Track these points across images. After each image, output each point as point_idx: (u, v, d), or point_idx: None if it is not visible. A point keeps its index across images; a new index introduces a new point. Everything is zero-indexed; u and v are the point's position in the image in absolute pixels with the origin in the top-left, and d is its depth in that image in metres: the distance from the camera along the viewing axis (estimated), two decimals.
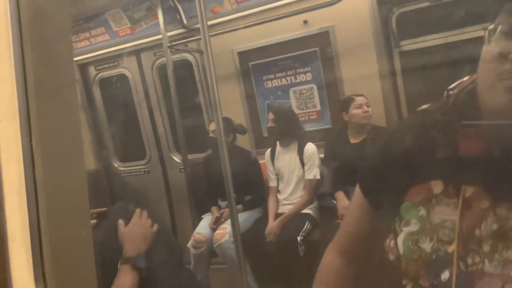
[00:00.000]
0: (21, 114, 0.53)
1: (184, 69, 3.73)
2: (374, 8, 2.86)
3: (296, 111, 3.34)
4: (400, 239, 0.72)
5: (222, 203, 3.20)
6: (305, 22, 3.10)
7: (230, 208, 2.21)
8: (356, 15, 2.91)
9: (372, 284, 0.87)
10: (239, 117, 3.43)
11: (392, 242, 0.74)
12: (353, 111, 2.79)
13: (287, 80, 3.34)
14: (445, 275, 0.67)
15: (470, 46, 2.57)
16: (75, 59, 3.91)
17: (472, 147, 0.68)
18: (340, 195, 2.78)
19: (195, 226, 3.21)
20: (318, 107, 3.29)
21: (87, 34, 3.85)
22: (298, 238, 2.70)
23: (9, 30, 0.53)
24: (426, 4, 2.79)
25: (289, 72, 3.31)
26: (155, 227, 1.40)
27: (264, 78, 3.41)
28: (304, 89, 3.30)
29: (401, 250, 0.72)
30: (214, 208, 3.19)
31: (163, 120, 4.01)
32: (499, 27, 0.65)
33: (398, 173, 0.78)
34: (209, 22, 2.40)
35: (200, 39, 3.19)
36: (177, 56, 3.67)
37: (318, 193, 3.02)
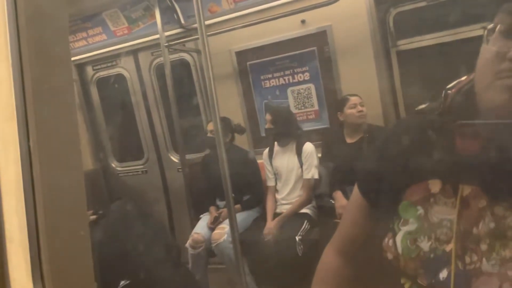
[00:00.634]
0: (18, 115, 0.53)
1: (181, 69, 3.73)
2: (371, 8, 2.87)
3: (294, 110, 3.35)
4: (399, 238, 0.73)
5: (220, 203, 3.20)
6: (303, 21, 3.11)
7: (228, 208, 2.21)
8: (354, 14, 2.92)
9: (371, 283, 0.88)
10: (237, 117, 3.43)
11: (391, 241, 0.74)
12: (348, 111, 2.80)
13: (285, 80, 3.34)
14: (443, 274, 0.67)
15: (467, 46, 2.57)
16: (72, 59, 3.90)
17: (470, 147, 0.68)
18: (338, 194, 2.78)
19: (193, 226, 3.21)
20: (316, 107, 3.30)
21: (84, 34, 3.83)
22: (297, 238, 2.70)
23: (7, 30, 0.53)
24: (423, 3, 2.80)
25: (287, 72, 3.31)
26: None
27: (262, 77, 3.41)
28: (302, 88, 3.30)
29: (399, 249, 0.72)
30: (212, 208, 3.19)
31: (161, 120, 4.00)
32: (498, 27, 0.65)
33: (396, 173, 0.78)
34: (207, 22, 2.39)
35: (197, 38, 3.17)
36: (174, 56, 3.67)
37: (316, 192, 3.03)
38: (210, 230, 3.02)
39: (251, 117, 3.52)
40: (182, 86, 3.65)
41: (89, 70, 4.23)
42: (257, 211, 3.19)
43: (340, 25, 3.00)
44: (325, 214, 2.87)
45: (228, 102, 3.37)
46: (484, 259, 0.64)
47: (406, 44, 2.96)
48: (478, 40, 0.70)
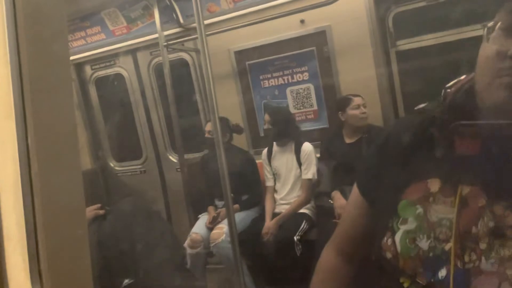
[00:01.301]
0: (17, 113, 0.52)
1: (180, 68, 3.72)
2: (371, 8, 2.87)
3: (293, 110, 3.35)
4: (398, 237, 0.73)
5: (219, 203, 3.20)
6: (302, 21, 3.11)
7: (227, 207, 2.21)
8: (353, 14, 2.92)
9: (370, 282, 0.88)
10: (236, 116, 3.43)
11: (390, 240, 0.74)
12: (351, 112, 2.79)
13: (284, 80, 3.34)
14: (442, 273, 0.67)
15: (467, 45, 2.58)
16: (71, 58, 3.89)
17: (469, 147, 0.69)
18: (336, 194, 2.78)
19: (191, 226, 3.20)
20: (315, 107, 3.30)
21: (83, 33, 3.83)
22: (295, 238, 2.70)
23: (5, 28, 0.53)
24: (423, 3, 2.80)
25: (286, 72, 3.31)
26: None
27: (261, 77, 3.41)
28: (301, 88, 3.30)
29: (398, 248, 0.72)
30: (210, 208, 3.19)
31: (160, 119, 4.00)
32: (498, 24, 0.65)
33: (395, 172, 0.78)
34: (206, 21, 2.39)
35: (196, 38, 3.18)
36: (173, 56, 3.66)
37: (315, 192, 3.03)
38: (209, 230, 3.02)
39: (250, 117, 3.52)
40: (181, 86, 3.65)
41: (88, 69, 4.23)
42: (256, 211, 3.19)
43: (339, 25, 3.00)
44: (324, 214, 2.87)
45: (227, 102, 3.37)
46: (483, 258, 0.64)
47: (405, 44, 2.97)
48: (477, 40, 0.70)
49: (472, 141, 0.68)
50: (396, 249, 0.73)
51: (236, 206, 3.03)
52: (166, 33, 3.44)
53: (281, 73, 3.33)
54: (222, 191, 2.14)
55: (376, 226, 0.79)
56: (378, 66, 2.91)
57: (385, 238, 0.75)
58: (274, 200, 3.10)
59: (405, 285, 0.72)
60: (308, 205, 3.00)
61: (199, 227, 3.09)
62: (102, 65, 4.14)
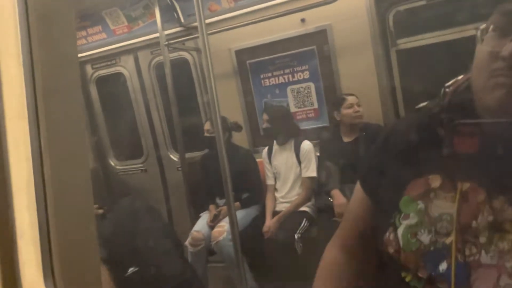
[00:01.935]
0: (29, 113, 0.54)
1: (181, 67, 3.73)
2: (371, 7, 2.88)
3: (294, 109, 3.36)
4: (400, 232, 0.74)
5: (220, 201, 3.21)
6: (303, 20, 3.11)
7: (228, 206, 2.22)
8: (353, 13, 2.93)
9: (372, 278, 0.89)
10: (237, 115, 3.44)
11: (392, 235, 0.76)
12: (344, 111, 2.82)
13: (284, 79, 3.35)
14: (443, 266, 0.69)
15: (467, 44, 2.59)
16: None
17: (468, 144, 0.70)
18: (336, 193, 2.80)
19: (193, 224, 3.22)
20: (316, 106, 3.31)
21: (84, 33, 3.83)
22: (296, 236, 2.71)
23: (18, 29, 0.54)
24: (423, 2, 2.81)
25: (287, 71, 3.32)
26: None
27: (261, 76, 3.41)
28: (302, 87, 3.31)
29: (400, 243, 0.74)
30: (211, 206, 3.20)
31: (160, 118, 4.00)
32: (491, 26, 0.67)
33: (397, 169, 0.80)
34: (207, 21, 2.40)
35: (197, 37, 3.19)
36: (174, 55, 3.67)
37: (315, 191, 3.04)
38: (210, 228, 3.03)
39: (250, 116, 3.53)
40: (181, 85, 3.66)
41: (89, 69, 4.23)
42: (257, 209, 3.20)
43: (339, 24, 3.01)
44: (324, 212, 2.89)
45: (228, 101, 3.38)
46: (483, 251, 0.66)
47: (406, 43, 2.97)
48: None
49: (471, 138, 0.70)
50: (398, 244, 0.74)
51: (237, 204, 3.05)
52: (167, 32, 3.44)
53: (281, 72, 3.34)
54: (223, 190, 2.16)
55: (379, 222, 0.81)
56: (379, 65, 2.92)
57: (387, 234, 0.77)
58: (275, 199, 3.12)
59: (407, 279, 0.74)
60: (309, 203, 3.01)
61: (201, 225, 3.10)
62: (103, 64, 4.14)
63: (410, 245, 0.73)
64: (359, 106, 2.81)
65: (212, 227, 3.01)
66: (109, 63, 4.09)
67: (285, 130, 3.03)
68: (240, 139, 3.39)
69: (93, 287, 0.59)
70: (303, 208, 2.97)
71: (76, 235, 0.59)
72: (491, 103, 0.66)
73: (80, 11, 3.55)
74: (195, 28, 3.00)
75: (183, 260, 1.78)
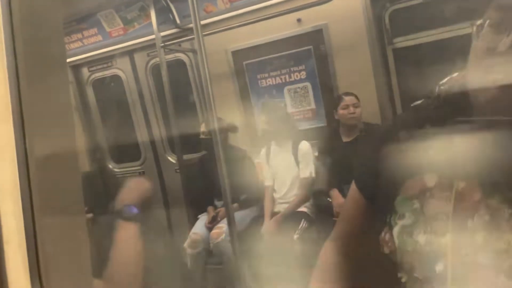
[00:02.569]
0: (14, 117, 0.53)
1: (178, 69, 3.72)
2: (367, 6, 2.87)
3: (291, 109, 3.35)
4: (395, 232, 0.74)
5: (218, 203, 3.20)
6: (299, 20, 3.11)
7: (226, 207, 2.21)
8: (349, 12, 2.92)
9: (369, 278, 0.88)
10: (234, 116, 3.43)
11: (387, 235, 0.75)
12: (340, 111, 2.81)
13: (281, 79, 3.34)
14: (439, 267, 0.68)
15: (463, 42, 2.58)
16: (68, 60, 3.88)
17: (463, 142, 0.70)
18: (335, 192, 2.79)
19: (191, 226, 3.21)
20: (313, 106, 3.30)
21: (79, 35, 3.82)
22: (295, 237, 2.70)
23: (1, 31, 0.53)
24: (419, 1, 2.80)
25: (283, 71, 3.31)
26: (149, 184, 1.36)
27: (258, 77, 3.41)
28: (299, 87, 3.30)
29: (396, 243, 0.73)
30: (210, 208, 3.19)
31: (158, 120, 3.99)
32: (487, 22, 0.66)
33: (392, 168, 0.79)
34: (203, 22, 2.39)
35: (193, 38, 3.18)
36: (170, 56, 3.66)
37: (313, 191, 3.03)
38: (208, 229, 3.02)
39: (248, 117, 3.52)
40: (178, 86, 3.65)
41: (85, 71, 4.22)
42: (255, 210, 3.19)
43: (336, 24, 3.01)
44: (323, 213, 2.88)
45: (225, 102, 3.37)
46: (479, 252, 0.65)
47: (402, 41, 2.97)
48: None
49: (467, 136, 0.69)
50: (394, 244, 0.74)
51: (235, 205, 3.04)
52: (163, 34, 3.44)
53: (278, 73, 3.33)
54: (221, 191, 2.15)
55: (374, 222, 0.80)
56: (375, 64, 2.92)
57: (383, 234, 0.76)
58: (273, 200, 3.11)
59: (403, 279, 0.73)
60: (307, 204, 3.00)
61: (199, 227, 3.09)
62: (99, 66, 4.13)
63: (406, 245, 0.72)
64: (356, 107, 2.79)
65: (210, 229, 3.01)
66: (105, 65, 4.09)
67: (283, 131, 3.03)
68: (237, 140, 3.38)
69: None
70: (301, 209, 2.96)
71: (65, 241, 0.58)
72: (488, 99, 0.66)
73: (75, 13, 3.54)
74: (191, 29, 2.98)
75: (181, 262, 1.77)
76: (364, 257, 0.87)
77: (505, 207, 0.64)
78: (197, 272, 2.99)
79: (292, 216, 2.90)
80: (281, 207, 3.02)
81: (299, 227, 2.78)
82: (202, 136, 3.16)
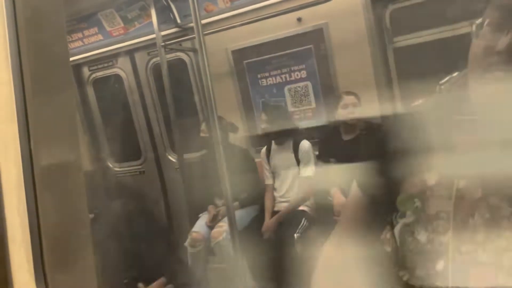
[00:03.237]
0: (19, 116, 0.53)
1: (178, 68, 3.72)
2: (368, 5, 2.87)
3: (291, 108, 3.35)
4: (396, 230, 0.74)
5: (219, 202, 3.21)
6: (299, 19, 3.11)
7: (227, 206, 2.22)
8: (350, 12, 2.92)
9: (369, 277, 0.89)
10: (234, 115, 3.44)
11: (389, 234, 0.75)
12: (340, 110, 2.81)
13: (281, 78, 3.34)
14: (440, 265, 0.68)
15: (463, 41, 2.58)
16: None
17: (464, 141, 0.70)
18: (335, 191, 2.79)
19: (192, 225, 3.21)
20: (313, 105, 3.30)
21: (80, 35, 3.82)
22: (295, 235, 2.71)
23: (6, 32, 0.53)
24: (419, 0, 2.80)
25: (284, 70, 3.31)
26: None
27: (258, 76, 3.41)
28: (299, 86, 3.30)
29: (397, 242, 0.74)
30: (210, 207, 3.20)
31: (158, 119, 4.00)
32: (486, 21, 0.67)
33: (393, 167, 0.79)
34: (203, 21, 2.39)
35: (194, 38, 3.18)
36: (171, 55, 3.66)
37: (314, 190, 3.03)
38: (209, 228, 3.03)
39: (248, 116, 3.52)
40: (179, 86, 3.65)
41: (85, 70, 4.22)
42: (256, 209, 3.20)
43: (336, 23, 3.01)
44: (323, 211, 2.88)
45: (225, 101, 3.37)
46: (480, 249, 0.65)
47: (403, 40, 2.97)
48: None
49: (468, 136, 0.70)
50: (395, 243, 0.74)
51: (236, 203, 3.04)
52: (163, 33, 3.44)
53: (279, 72, 3.33)
54: (221, 190, 2.15)
55: (375, 220, 0.81)
56: (376, 63, 2.92)
57: (384, 232, 0.76)
58: (274, 198, 3.11)
59: (404, 278, 0.73)
60: (307, 203, 3.01)
61: (200, 226, 3.10)
62: (99, 66, 4.13)
63: (407, 244, 0.72)
64: (355, 106, 2.79)
65: (211, 228, 3.01)
66: (106, 64, 4.09)
67: (284, 129, 3.03)
68: (238, 139, 3.38)
69: None
70: (302, 208, 2.96)
71: (69, 239, 0.59)
72: (488, 98, 0.66)
73: (75, 13, 3.54)
74: (192, 28, 2.99)
75: (181, 261, 1.77)
76: (365, 256, 0.87)
77: (505, 205, 0.65)
78: (198, 271, 2.99)
79: (293, 215, 2.91)
80: (281, 206, 3.03)
81: (300, 226, 2.79)
82: (202, 135, 3.17)
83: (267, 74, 3.38)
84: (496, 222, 0.65)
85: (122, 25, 3.65)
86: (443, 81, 0.78)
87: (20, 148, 0.53)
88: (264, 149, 3.18)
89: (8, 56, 0.53)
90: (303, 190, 2.98)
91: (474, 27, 0.70)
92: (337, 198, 2.76)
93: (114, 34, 3.74)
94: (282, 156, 3.06)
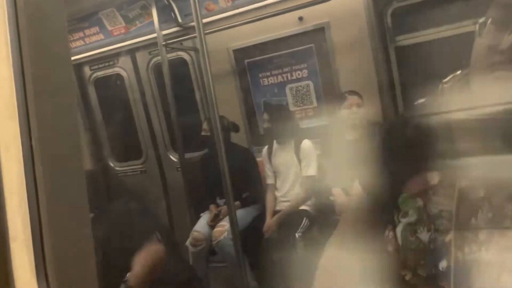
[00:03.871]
0: (20, 114, 0.53)
1: (179, 67, 3.72)
2: (369, 4, 2.86)
3: (293, 108, 3.35)
4: (399, 230, 0.74)
5: (220, 201, 3.21)
6: (300, 18, 3.10)
7: (228, 205, 2.22)
8: (351, 11, 2.92)
9: (372, 276, 0.89)
10: (236, 115, 3.44)
11: (391, 233, 0.75)
12: (343, 110, 2.80)
13: (283, 77, 3.34)
14: (443, 264, 0.68)
15: (466, 40, 2.57)
16: None
17: (467, 140, 0.70)
18: (337, 191, 2.79)
19: (193, 224, 3.21)
20: (315, 104, 3.30)
21: (81, 34, 3.83)
22: (296, 235, 2.71)
23: (7, 30, 0.53)
24: None
25: (285, 69, 3.31)
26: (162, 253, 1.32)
27: (260, 75, 3.41)
28: (300, 86, 3.30)
29: (399, 241, 0.73)
30: (212, 206, 3.20)
31: (159, 119, 4.00)
32: (489, 20, 0.66)
33: (396, 166, 0.79)
34: (204, 20, 2.39)
35: (195, 37, 3.18)
36: (172, 55, 3.66)
37: (316, 189, 3.03)
38: (210, 228, 3.03)
39: (250, 115, 3.52)
40: (180, 85, 3.65)
41: (87, 70, 4.22)
42: (257, 208, 3.20)
43: (338, 22, 3.00)
44: (325, 211, 2.88)
45: (227, 100, 3.37)
46: (483, 249, 0.65)
47: (404, 39, 2.96)
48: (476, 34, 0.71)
49: (470, 135, 0.69)
50: (397, 242, 0.74)
51: (237, 203, 3.04)
52: (164, 32, 3.44)
53: (280, 71, 3.33)
54: (223, 189, 2.15)
55: (377, 220, 0.81)
56: (377, 62, 2.91)
57: (386, 231, 0.76)
58: (275, 198, 3.11)
59: (407, 277, 0.73)
60: (309, 202, 3.00)
61: (201, 225, 3.10)
62: (101, 65, 4.13)
63: (409, 243, 0.72)
64: (359, 106, 2.78)
65: (212, 227, 3.01)
66: (107, 64, 4.09)
67: (285, 129, 3.03)
68: (239, 138, 3.38)
69: None
70: (303, 207, 2.96)
71: (70, 238, 0.59)
72: (490, 97, 0.66)
73: (77, 12, 3.55)
74: (193, 27, 2.99)
75: (182, 260, 1.77)
76: (367, 255, 0.87)
77: (508, 204, 0.64)
78: (199, 270, 2.99)
79: (294, 214, 2.91)
80: (283, 205, 3.02)
81: (301, 225, 2.78)
82: (203, 134, 3.17)
83: (268, 74, 3.37)
84: (499, 222, 0.64)
85: (123, 24, 3.65)
86: (446, 79, 0.78)
87: (21, 145, 0.53)
88: (265, 149, 3.18)
89: (9, 55, 0.53)
90: (305, 190, 2.97)
91: (477, 26, 0.70)
92: (339, 197, 2.75)
93: (115, 34, 3.74)
94: (283, 156, 3.06)
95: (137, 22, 3.60)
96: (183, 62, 3.75)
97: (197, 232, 3.02)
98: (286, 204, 3.01)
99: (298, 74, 3.28)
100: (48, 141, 0.54)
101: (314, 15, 3.03)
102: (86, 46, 3.91)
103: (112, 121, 4.32)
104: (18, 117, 0.53)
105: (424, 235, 0.71)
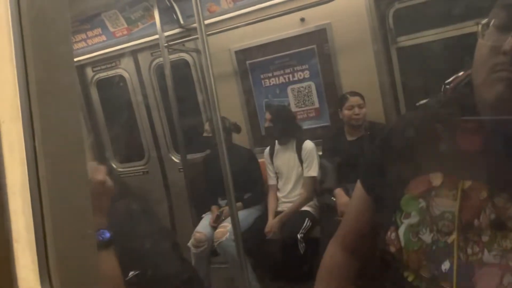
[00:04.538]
0: (23, 115, 0.53)
1: (181, 68, 3.73)
2: (371, 5, 2.87)
3: (295, 109, 3.35)
4: (401, 231, 0.74)
5: (222, 202, 3.21)
6: (302, 20, 3.11)
7: (230, 206, 2.22)
8: (353, 12, 2.92)
9: (374, 277, 0.89)
10: (238, 116, 3.44)
11: (393, 234, 0.75)
12: (345, 111, 2.81)
13: (284, 78, 3.34)
14: (445, 266, 0.68)
15: (468, 41, 2.57)
16: None
17: (470, 141, 0.69)
18: (339, 191, 2.79)
19: (195, 225, 3.21)
20: (317, 105, 3.30)
21: (83, 36, 3.84)
22: (298, 236, 2.70)
23: (11, 32, 0.53)
24: None
25: (287, 70, 3.31)
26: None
27: (261, 76, 3.41)
28: (302, 87, 3.30)
29: (402, 242, 0.73)
30: (214, 207, 3.20)
31: (161, 120, 4.00)
32: (492, 21, 0.66)
33: (398, 167, 0.79)
34: (206, 21, 2.40)
35: (197, 38, 3.19)
36: (174, 56, 3.67)
37: (318, 190, 3.03)
38: (212, 229, 3.02)
39: (251, 116, 3.52)
40: (182, 86, 3.66)
41: (89, 71, 4.23)
42: (259, 209, 3.19)
43: (339, 23, 3.00)
44: (327, 212, 2.88)
45: (228, 102, 3.38)
46: (485, 250, 0.65)
47: (406, 40, 2.96)
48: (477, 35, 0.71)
49: (472, 135, 0.69)
50: (399, 243, 0.74)
51: (239, 204, 3.04)
52: (166, 33, 3.44)
53: (282, 72, 3.33)
54: (224, 190, 2.15)
55: (380, 221, 0.80)
56: (379, 63, 2.91)
57: (389, 233, 0.76)
58: (277, 199, 3.11)
59: (409, 278, 0.73)
60: (311, 203, 3.00)
61: (203, 226, 3.10)
62: (103, 67, 4.14)
63: (412, 244, 0.72)
64: (361, 108, 2.78)
65: (214, 228, 3.01)
66: (109, 65, 4.10)
67: (287, 130, 3.03)
68: (241, 139, 3.38)
69: None
70: (305, 208, 2.96)
71: (73, 239, 0.59)
72: (493, 98, 0.65)
73: (79, 14, 3.56)
74: (195, 29, 2.99)
75: (183, 260, 1.77)
76: (369, 256, 0.87)
77: (511, 205, 0.64)
78: (201, 271, 2.99)
79: (296, 215, 2.90)
80: (285, 206, 3.02)
81: (303, 226, 2.78)
82: (205, 135, 3.17)
83: (270, 75, 3.38)
84: (502, 223, 0.64)
85: (125, 26, 3.66)
86: (448, 80, 0.77)
87: (24, 147, 0.53)
88: (267, 150, 3.18)
89: (13, 57, 0.53)
90: (307, 191, 2.97)
91: (480, 27, 0.70)
92: (341, 198, 2.75)
93: (118, 35, 3.75)
94: (285, 156, 3.06)
95: (139, 23, 3.61)
96: (185, 63, 3.76)
97: (199, 233, 3.02)
98: (288, 205, 3.01)
99: (300, 75, 3.28)
100: (52, 143, 0.54)
101: (315, 16, 3.03)
102: (89, 47, 3.93)
103: (115, 122, 4.33)
104: (22, 118, 0.53)
105: (426, 236, 0.71)
